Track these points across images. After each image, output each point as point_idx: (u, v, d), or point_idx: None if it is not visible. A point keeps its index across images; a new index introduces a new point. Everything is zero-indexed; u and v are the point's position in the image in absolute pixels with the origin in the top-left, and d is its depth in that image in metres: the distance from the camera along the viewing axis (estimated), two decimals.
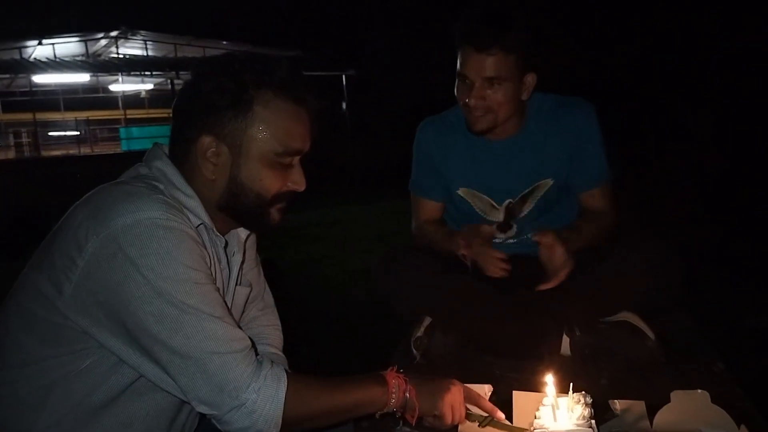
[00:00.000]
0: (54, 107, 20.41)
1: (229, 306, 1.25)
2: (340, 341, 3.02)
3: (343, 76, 18.66)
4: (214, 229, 1.15)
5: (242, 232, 1.27)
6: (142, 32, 18.56)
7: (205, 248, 1.09)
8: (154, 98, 22.02)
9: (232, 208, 1.14)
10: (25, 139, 21.37)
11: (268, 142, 1.10)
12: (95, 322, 1.00)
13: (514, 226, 1.93)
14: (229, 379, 0.98)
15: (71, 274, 0.99)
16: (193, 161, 1.11)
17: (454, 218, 2.01)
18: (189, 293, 0.98)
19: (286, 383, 1.02)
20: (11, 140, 21.52)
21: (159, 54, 19.25)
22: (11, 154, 20.35)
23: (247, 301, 1.35)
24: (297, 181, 1.16)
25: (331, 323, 3.33)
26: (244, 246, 1.28)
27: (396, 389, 1.13)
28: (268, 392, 1.00)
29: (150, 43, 18.87)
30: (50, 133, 21.94)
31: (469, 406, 1.23)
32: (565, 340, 1.70)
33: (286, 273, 4.54)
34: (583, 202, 1.88)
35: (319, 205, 8.62)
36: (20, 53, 17.67)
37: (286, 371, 1.04)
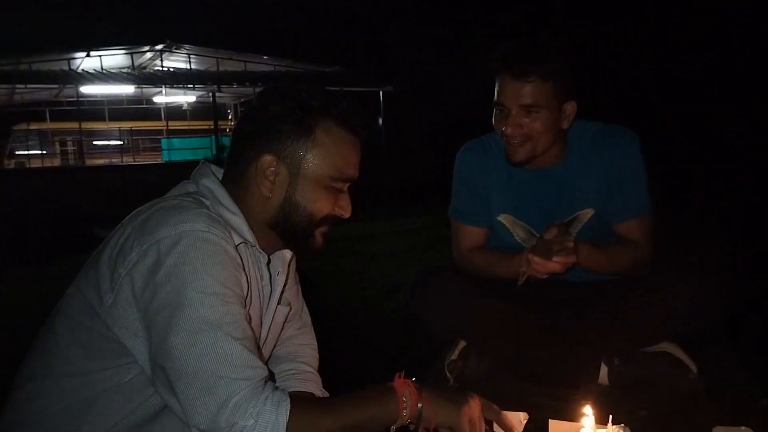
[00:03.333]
0: (99, 117, 20.94)
1: (269, 325, 1.28)
2: (371, 357, 3.00)
3: (380, 92, 18.77)
4: (258, 246, 1.18)
5: (287, 253, 1.30)
6: (186, 46, 18.98)
7: (244, 268, 1.12)
8: (195, 110, 22.45)
9: (281, 226, 1.19)
10: (70, 148, 22.02)
11: (325, 166, 1.16)
12: (132, 334, 1.02)
13: None
14: (228, 404, 0.95)
15: (114, 284, 1.03)
16: (249, 179, 1.17)
17: (491, 243, 1.97)
18: (213, 308, 0.99)
19: (288, 408, 0.97)
20: (57, 148, 22.19)
21: (202, 67, 19.63)
22: (57, 162, 20.98)
23: (285, 320, 1.37)
24: (344, 207, 1.22)
25: (362, 339, 3.32)
26: (288, 266, 1.31)
27: (407, 399, 1.06)
28: (267, 417, 0.96)
29: (193, 56, 19.26)
30: (95, 142, 22.53)
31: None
32: (604, 369, 1.67)
33: (318, 286, 4.55)
34: (618, 232, 1.82)
35: (353, 219, 8.63)
36: (69, 64, 18.18)
37: (290, 394, 1.01)
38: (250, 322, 1.08)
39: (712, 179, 8.34)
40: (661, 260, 1.80)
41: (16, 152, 21.20)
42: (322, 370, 1.40)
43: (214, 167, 1.23)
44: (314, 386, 1.36)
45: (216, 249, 1.03)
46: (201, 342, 0.97)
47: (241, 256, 1.12)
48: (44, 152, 20.92)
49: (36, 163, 19.69)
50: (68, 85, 17.44)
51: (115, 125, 21.80)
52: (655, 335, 1.67)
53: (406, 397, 1.06)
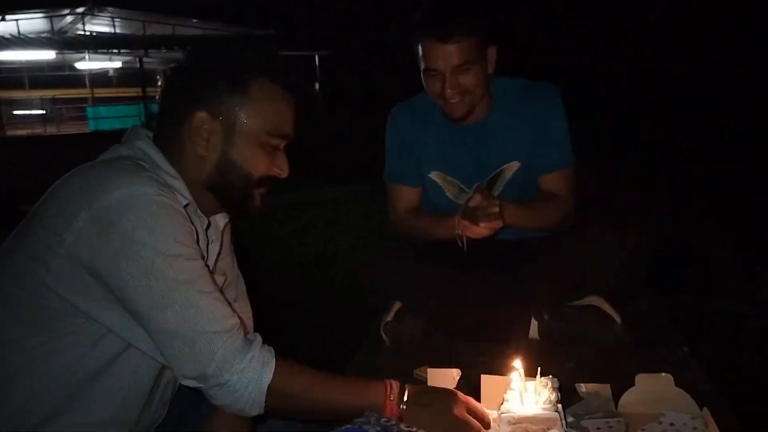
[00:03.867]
0: (18, 85, 19.93)
1: None
2: (309, 325, 3.01)
3: (316, 57, 18.52)
4: (198, 210, 1.17)
5: (221, 220, 1.28)
6: (110, 9, 18.16)
7: (194, 226, 1.12)
8: (122, 77, 21.59)
9: (218, 186, 1.16)
10: None
11: (261, 122, 1.14)
12: (87, 296, 1.02)
13: None
14: (214, 358, 1.00)
15: (59, 249, 1.00)
16: (183, 138, 1.13)
17: (426, 201, 1.99)
18: (180, 269, 1.01)
19: (272, 368, 1.04)
20: None
21: (127, 31, 18.87)
22: None
23: (220, 289, 1.34)
24: (281, 166, 1.20)
25: (299, 306, 3.32)
26: (222, 234, 1.29)
27: (394, 398, 1.10)
28: (250, 374, 1.02)
29: (118, 20, 18.49)
30: (15, 112, 21.44)
31: None
32: (534, 324, 1.72)
33: (255, 255, 4.51)
34: (542, 186, 1.87)
35: (291, 188, 8.54)
36: None
37: (278, 357, 1.05)
38: None
39: (639, 136, 8.61)
40: (581, 217, 1.86)
41: None
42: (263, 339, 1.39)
43: (146, 131, 1.19)
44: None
45: (170, 211, 1.03)
46: (177, 303, 0.99)
47: (190, 218, 1.11)
48: None
49: None
50: None
51: (36, 94, 20.78)
52: (581, 288, 1.72)
53: (393, 396, 1.10)
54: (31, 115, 21.36)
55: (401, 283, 1.79)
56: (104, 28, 18.70)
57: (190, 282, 1.01)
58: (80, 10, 17.91)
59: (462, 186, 1.90)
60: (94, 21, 18.56)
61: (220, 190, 1.17)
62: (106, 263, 0.99)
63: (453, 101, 1.75)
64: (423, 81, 1.79)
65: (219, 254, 1.28)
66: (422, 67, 1.76)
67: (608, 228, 1.75)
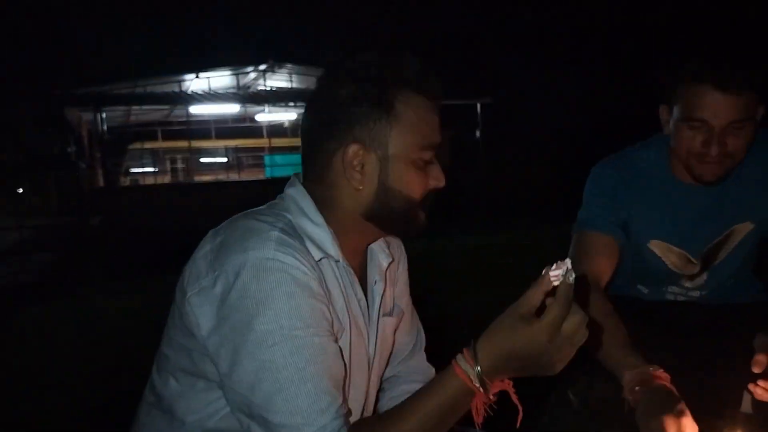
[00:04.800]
0: (206, 136, 22.05)
1: (375, 340, 1.20)
2: None
3: (478, 105, 18.62)
4: (342, 261, 1.10)
5: (383, 260, 1.22)
6: (288, 65, 19.64)
7: (327, 284, 1.06)
8: (296, 127, 22.97)
9: (380, 215, 1.10)
10: (180, 165, 23.32)
11: (413, 139, 1.07)
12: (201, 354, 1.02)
13: (705, 273, 1.71)
14: None
15: (183, 306, 1.02)
16: (335, 175, 1.08)
17: (640, 274, 1.79)
18: (275, 346, 0.93)
19: None
20: (168, 166, 23.56)
21: (303, 86, 20.17)
22: (167, 179, 22.25)
23: (396, 330, 1.31)
24: (438, 177, 1.13)
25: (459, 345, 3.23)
26: (386, 274, 1.23)
27: (464, 366, 0.90)
28: None
29: (294, 75, 19.90)
30: (202, 160, 23.73)
31: None
32: (747, 397, 1.51)
33: (418, 299, 4.50)
34: None
35: (452, 232, 8.57)
36: (180, 86, 19.24)
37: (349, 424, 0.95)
38: (337, 347, 1.02)
39: None
40: None
41: (131, 170, 22.65)
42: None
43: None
44: None
45: (280, 278, 0.96)
46: (265, 384, 0.92)
47: (323, 272, 1.06)
48: (156, 170, 22.23)
49: (149, 181, 20.94)
50: (179, 106, 18.48)
51: (221, 143, 22.87)
52: None
53: (462, 364, 0.90)
54: (215, 162, 23.53)
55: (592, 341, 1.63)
56: (282, 83, 20.17)
57: (284, 363, 0.92)
58: (262, 67, 19.52)
59: (688, 256, 1.67)
60: (274, 77, 20.07)
61: (382, 219, 1.11)
62: (213, 326, 0.97)
63: (714, 163, 1.51)
64: (675, 133, 1.55)
65: (384, 294, 1.22)
66: (680, 116, 1.51)
67: None
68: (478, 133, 18.66)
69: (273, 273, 0.95)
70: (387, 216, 1.10)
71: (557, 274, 0.87)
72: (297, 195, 1.10)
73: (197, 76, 19.06)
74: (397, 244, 1.31)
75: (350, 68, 1.07)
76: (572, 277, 0.87)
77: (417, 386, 1.28)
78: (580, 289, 0.90)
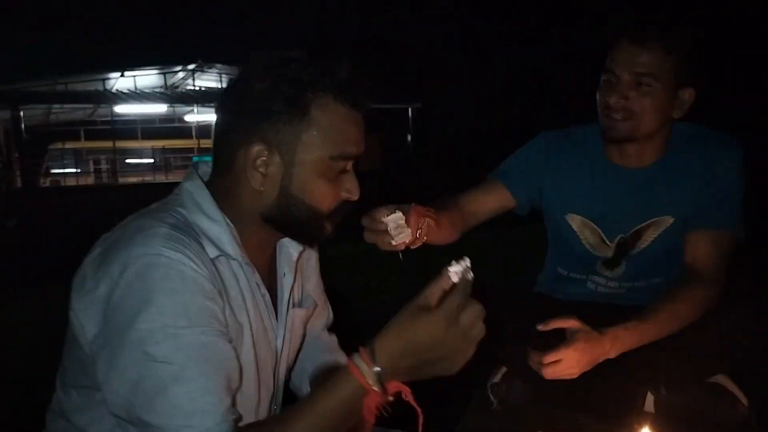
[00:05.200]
0: (132, 136, 21.34)
1: (283, 334, 1.19)
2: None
3: (409, 109, 18.79)
4: (242, 258, 1.05)
5: (293, 250, 1.20)
6: (218, 65, 19.26)
7: (224, 282, 1.02)
8: None
9: (280, 221, 1.06)
10: (104, 166, 22.45)
11: (324, 148, 1.02)
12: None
13: (623, 264, 1.73)
14: None
15: (72, 308, 0.98)
16: (238, 170, 1.03)
17: (562, 253, 1.84)
18: (157, 344, 0.88)
19: None
20: (91, 166, 22.64)
21: None
22: (90, 180, 21.39)
23: (307, 322, 1.32)
24: (351, 189, 1.08)
25: None
26: (296, 265, 1.21)
27: (360, 366, 0.86)
28: None
29: (225, 75, 19.55)
30: (128, 161, 22.95)
31: None
32: (650, 398, 1.61)
33: (349, 301, 4.52)
34: (687, 249, 1.60)
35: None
36: (103, 84, 18.55)
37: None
38: (230, 347, 0.97)
39: None
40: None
41: (52, 171, 21.66)
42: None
43: (206, 168, 1.12)
44: (343, 356, 1.35)
45: (164, 274, 0.91)
46: (145, 384, 0.88)
47: (218, 270, 1.02)
48: (79, 170, 21.34)
49: (71, 182, 20.09)
50: (102, 105, 17.81)
51: (147, 144, 22.17)
52: (708, 366, 1.57)
53: (358, 363, 0.86)
54: (142, 163, 22.80)
55: (504, 347, 1.69)
56: (212, 83, 19.77)
57: (165, 362, 0.88)
58: (191, 66, 19.09)
59: (603, 236, 1.72)
60: (203, 77, 19.66)
61: (282, 225, 1.08)
62: (96, 326, 0.93)
63: (615, 116, 1.54)
64: (597, 91, 1.60)
65: (294, 284, 1.20)
66: (603, 69, 1.57)
67: (740, 302, 1.58)
68: (409, 137, 18.84)
69: (158, 269, 0.91)
70: (287, 223, 1.06)
71: (456, 270, 0.88)
72: (193, 189, 1.06)
73: (122, 75, 18.45)
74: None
75: (271, 64, 1.02)
76: (470, 275, 0.88)
77: (322, 343, 1.35)
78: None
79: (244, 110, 1.02)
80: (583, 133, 1.76)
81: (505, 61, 17.94)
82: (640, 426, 1.30)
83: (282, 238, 1.17)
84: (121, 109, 18.43)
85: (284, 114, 1.00)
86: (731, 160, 1.60)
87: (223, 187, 1.07)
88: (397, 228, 1.27)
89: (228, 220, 1.05)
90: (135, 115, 19.92)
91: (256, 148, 1.01)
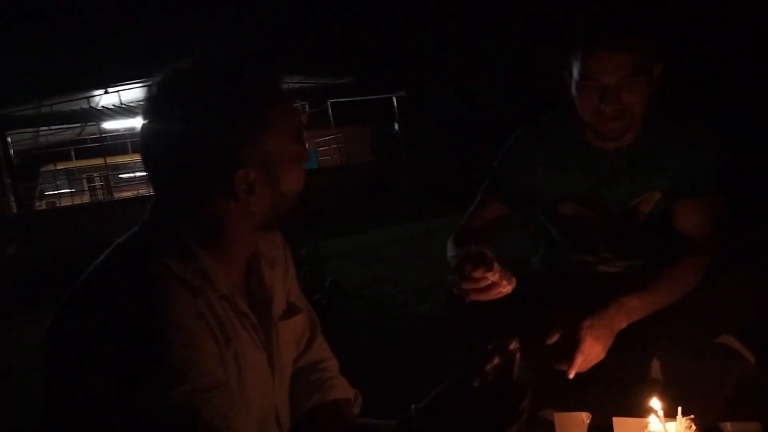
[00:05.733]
0: (122, 151, 21.26)
1: (274, 349, 1.15)
2: (410, 363, 2.97)
3: (394, 98, 18.76)
4: (222, 291, 1.02)
5: (264, 270, 1.15)
6: None
7: (209, 316, 0.99)
8: None
9: (276, 219, 1.06)
10: (98, 183, 22.40)
11: (290, 140, 1.03)
12: None
13: (621, 244, 1.76)
14: None
15: None
16: (218, 204, 1.00)
17: (556, 236, 1.88)
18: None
19: None
20: (85, 185, 22.60)
21: None
22: (86, 198, 21.35)
23: (298, 332, 1.28)
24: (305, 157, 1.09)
25: (400, 344, 3.29)
26: (271, 281, 1.17)
27: None
28: None
29: None
30: (121, 176, 22.87)
31: None
32: (656, 364, 1.62)
33: (353, 295, 4.55)
34: (679, 219, 1.62)
35: (380, 224, 8.62)
36: (89, 102, 18.46)
37: None
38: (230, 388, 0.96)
39: None
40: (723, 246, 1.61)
41: (46, 193, 21.61)
42: (364, 380, 1.36)
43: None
44: (344, 389, 1.31)
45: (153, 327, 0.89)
46: None
47: (206, 308, 0.99)
48: (73, 190, 21.30)
49: (66, 202, 20.05)
50: (90, 123, 17.74)
51: (138, 157, 21.97)
52: (712, 327, 1.58)
53: None
54: (135, 177, 22.75)
55: (501, 321, 1.63)
56: None
57: None
58: None
59: (597, 219, 1.74)
60: None
61: (277, 221, 1.08)
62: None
63: (610, 118, 1.56)
64: (574, 93, 1.61)
65: (273, 301, 1.16)
66: (578, 77, 1.57)
67: (743, 263, 1.56)
68: (396, 126, 18.82)
69: (145, 321, 0.89)
70: (282, 216, 1.07)
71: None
72: (168, 227, 1.01)
73: (106, 91, 18.33)
74: (274, 245, 1.23)
75: (222, 78, 0.99)
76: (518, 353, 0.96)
77: (318, 375, 1.29)
78: None
79: (207, 136, 0.96)
80: (558, 121, 1.78)
81: (489, 47, 17.90)
82: (649, 395, 1.32)
83: (251, 255, 1.13)
84: (108, 125, 18.41)
85: (248, 130, 0.97)
86: (708, 131, 1.64)
87: (198, 223, 1.02)
88: (503, 275, 1.34)
89: (207, 253, 1.02)
90: (123, 129, 19.84)
91: (239, 176, 0.97)
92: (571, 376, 1.40)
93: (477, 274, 1.33)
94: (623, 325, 1.44)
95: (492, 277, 1.33)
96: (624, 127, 1.59)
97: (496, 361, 0.94)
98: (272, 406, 1.17)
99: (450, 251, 1.67)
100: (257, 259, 1.14)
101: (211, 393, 0.90)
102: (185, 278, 0.97)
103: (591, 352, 1.41)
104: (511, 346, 0.96)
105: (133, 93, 19.10)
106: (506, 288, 1.35)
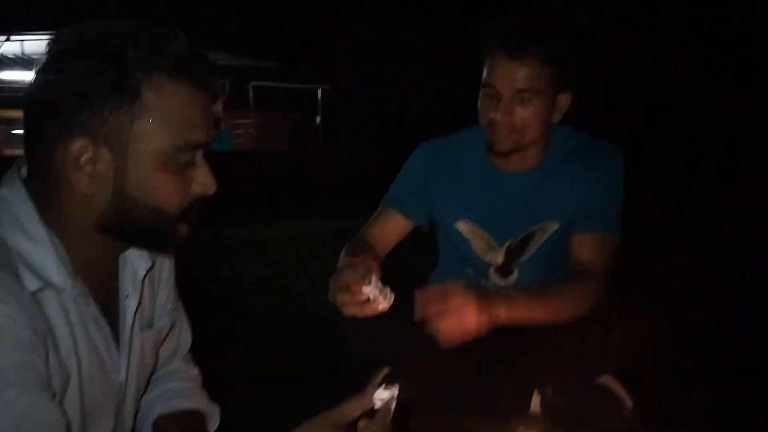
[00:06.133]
0: (18, 105, 19.96)
1: (127, 362, 1.03)
2: (304, 367, 2.86)
3: (319, 90, 18.60)
4: (72, 288, 0.88)
5: (140, 265, 1.03)
6: None
7: (46, 319, 0.85)
8: None
9: (119, 229, 0.90)
10: None
11: (164, 137, 0.86)
12: None
13: (515, 272, 1.74)
14: None
15: None
16: (58, 173, 0.85)
17: (452, 256, 1.83)
18: None
19: None
20: None
21: None
22: None
23: (161, 343, 1.16)
24: (205, 183, 0.92)
25: (293, 346, 3.18)
26: (143, 282, 1.04)
27: None
28: None
29: None
30: (14, 132, 21.42)
31: None
32: (536, 398, 1.60)
33: (248, 289, 4.39)
34: (572, 250, 1.60)
35: (289, 217, 8.47)
36: None
37: None
38: (53, 404, 0.83)
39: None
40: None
41: None
42: (250, 384, 1.26)
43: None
44: (201, 401, 1.21)
45: None
46: None
47: (42, 305, 0.85)
48: None
49: None
50: None
51: None
52: (593, 366, 1.57)
53: None
54: None
55: (388, 345, 1.61)
56: None
57: None
58: None
59: (491, 240, 1.71)
60: None
61: (123, 233, 0.91)
62: None
63: (501, 132, 1.54)
64: (478, 102, 1.60)
65: (138, 306, 1.03)
66: (481, 84, 1.56)
67: (636, 305, 1.56)
68: (318, 119, 18.65)
69: None
70: (130, 230, 0.90)
71: (383, 397, 0.90)
72: (12, 199, 0.87)
73: (8, 39, 17.24)
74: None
75: (88, 40, 0.84)
76: (394, 403, 0.90)
77: (177, 384, 1.19)
78: None
79: (58, 100, 0.83)
80: (464, 139, 1.75)
81: (418, 46, 18.09)
82: (526, 427, 1.29)
83: (125, 249, 1.00)
84: (6, 75, 17.30)
85: (109, 100, 0.83)
86: (612, 167, 1.63)
87: (45, 194, 0.88)
88: (381, 292, 1.28)
89: (56, 238, 0.88)
90: (23, 82, 18.65)
91: (78, 144, 0.83)
92: (437, 329, 1.28)
93: (354, 288, 1.28)
94: (502, 311, 1.31)
95: (368, 291, 1.26)
96: (512, 144, 1.56)
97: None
98: (111, 426, 1.03)
99: (341, 261, 1.58)
100: (130, 256, 1.01)
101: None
102: (28, 262, 0.84)
103: (458, 309, 1.26)
104: (387, 394, 0.91)
105: (37, 44, 18.02)
106: (382, 305, 1.28)
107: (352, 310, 1.30)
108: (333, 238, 6.71)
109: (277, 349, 3.05)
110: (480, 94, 1.58)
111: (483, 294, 1.32)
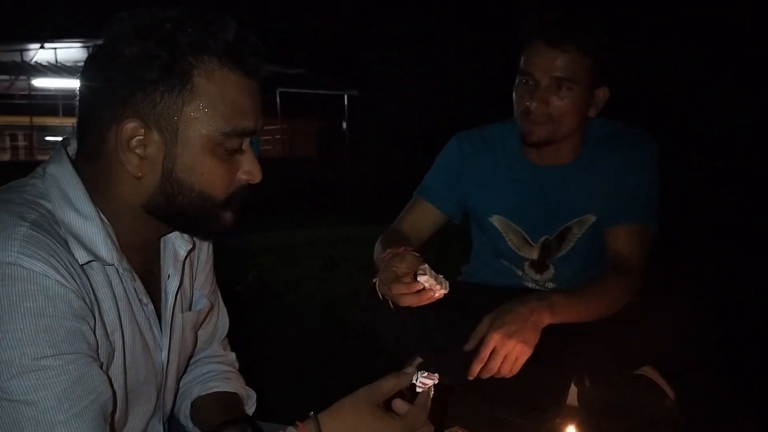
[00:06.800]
0: (52, 112, 20.33)
1: (168, 343, 1.04)
2: (330, 368, 2.86)
3: (345, 96, 18.66)
4: (119, 264, 0.90)
5: (181, 247, 1.04)
6: None
7: (93, 293, 0.86)
8: None
9: (166, 212, 0.91)
10: (21, 143, 21.28)
11: (213, 122, 0.87)
12: None
13: (551, 267, 1.72)
14: None
15: None
16: (109, 154, 0.87)
17: (487, 249, 1.82)
18: (12, 380, 0.76)
19: None
20: (7, 142, 21.43)
21: None
22: (6, 156, 20.28)
23: (200, 325, 1.17)
24: (251, 170, 0.93)
25: (320, 348, 3.19)
26: (184, 263, 1.05)
27: None
28: None
29: None
30: (47, 138, 21.83)
31: None
32: (573, 390, 1.56)
33: (276, 292, 4.41)
34: (609, 244, 1.59)
35: (316, 222, 8.51)
36: (21, 56, 17.56)
37: None
38: (102, 373, 0.84)
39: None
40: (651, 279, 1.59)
41: None
42: (280, 381, 1.27)
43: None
44: (239, 385, 1.23)
45: (24, 291, 0.76)
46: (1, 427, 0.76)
47: (90, 279, 0.86)
48: None
49: None
50: (20, 77, 16.89)
51: (69, 121, 21.13)
52: (634, 357, 1.54)
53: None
54: None
55: (423, 337, 1.60)
56: None
57: (26, 402, 0.75)
58: None
59: (527, 237, 1.70)
60: None
61: (169, 217, 0.92)
62: None
63: (535, 121, 1.52)
64: (514, 90, 1.58)
65: (180, 287, 1.04)
66: (518, 72, 1.54)
67: (673, 297, 1.56)
68: (344, 125, 18.71)
69: (16, 284, 0.76)
70: (176, 214, 0.91)
71: (425, 382, 0.92)
72: (61, 176, 0.88)
73: (42, 46, 17.53)
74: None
75: (141, 25, 0.85)
76: (433, 391, 0.93)
77: (215, 366, 1.21)
78: None
79: (111, 83, 0.85)
80: (499, 132, 1.73)
81: (443, 51, 18.08)
82: (563, 421, 1.27)
83: (169, 232, 1.01)
84: (40, 82, 17.49)
85: (161, 83, 0.84)
86: (646, 156, 1.61)
87: (94, 174, 0.89)
88: (437, 280, 1.27)
89: (102, 216, 0.89)
90: (56, 90, 18.97)
91: (130, 126, 0.85)
92: (475, 372, 1.35)
93: (406, 278, 1.28)
94: (547, 319, 1.36)
95: (423, 280, 1.25)
96: (546, 135, 1.54)
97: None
98: (152, 406, 1.06)
99: (378, 253, 1.57)
100: (171, 237, 1.03)
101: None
102: (77, 236, 0.85)
103: (506, 349, 1.33)
104: (427, 381, 0.94)
105: (70, 52, 18.33)
106: (439, 292, 1.27)
107: (408, 301, 1.29)
108: (359, 243, 6.73)
109: (304, 348, 3.06)
110: (515, 83, 1.56)
111: (513, 310, 1.36)
